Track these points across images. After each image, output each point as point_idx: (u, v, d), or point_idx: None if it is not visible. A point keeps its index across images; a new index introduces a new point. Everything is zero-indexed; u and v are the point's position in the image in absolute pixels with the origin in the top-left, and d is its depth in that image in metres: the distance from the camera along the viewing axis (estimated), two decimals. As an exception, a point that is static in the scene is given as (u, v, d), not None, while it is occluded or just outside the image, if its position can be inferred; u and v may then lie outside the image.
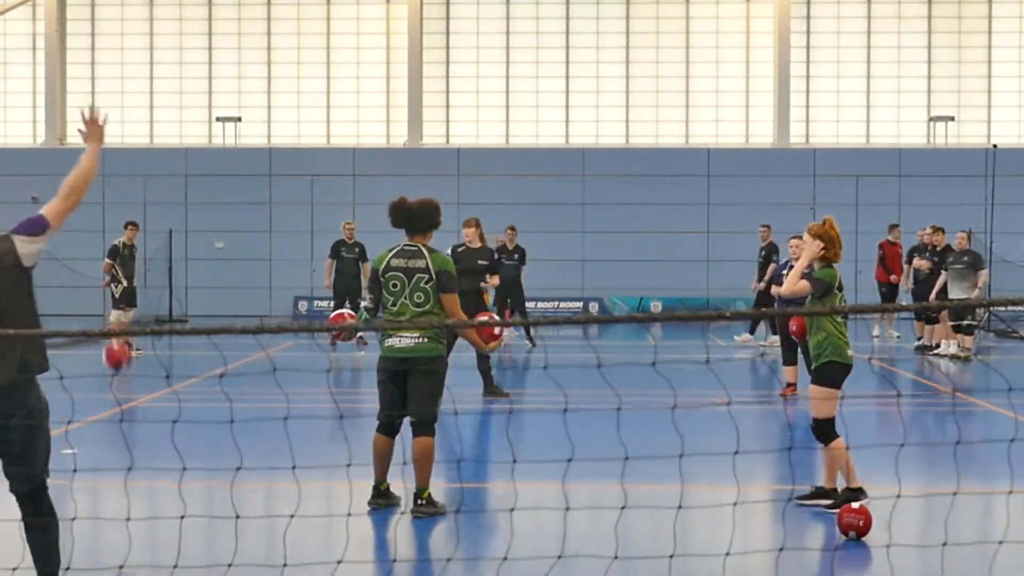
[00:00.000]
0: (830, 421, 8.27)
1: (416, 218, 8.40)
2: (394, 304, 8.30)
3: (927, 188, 29.91)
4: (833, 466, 8.41)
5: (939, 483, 9.08)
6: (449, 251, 14.04)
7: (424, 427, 8.24)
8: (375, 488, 8.40)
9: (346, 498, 7.55)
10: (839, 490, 8.42)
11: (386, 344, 8.28)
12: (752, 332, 22.41)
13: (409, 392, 8.23)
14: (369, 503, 8.32)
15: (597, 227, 30.67)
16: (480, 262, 14.42)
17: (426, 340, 8.17)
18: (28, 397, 5.63)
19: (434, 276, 8.22)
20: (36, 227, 5.75)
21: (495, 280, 14.66)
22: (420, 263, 8.25)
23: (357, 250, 22.28)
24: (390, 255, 8.40)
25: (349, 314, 9.31)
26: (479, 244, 14.69)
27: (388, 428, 8.38)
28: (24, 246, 5.69)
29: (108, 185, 30.83)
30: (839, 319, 8.39)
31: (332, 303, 22.98)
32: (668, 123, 32.11)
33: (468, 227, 14.63)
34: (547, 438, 11.04)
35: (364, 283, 22.98)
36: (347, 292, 22.18)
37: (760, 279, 21.77)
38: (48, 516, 5.76)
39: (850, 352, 8.38)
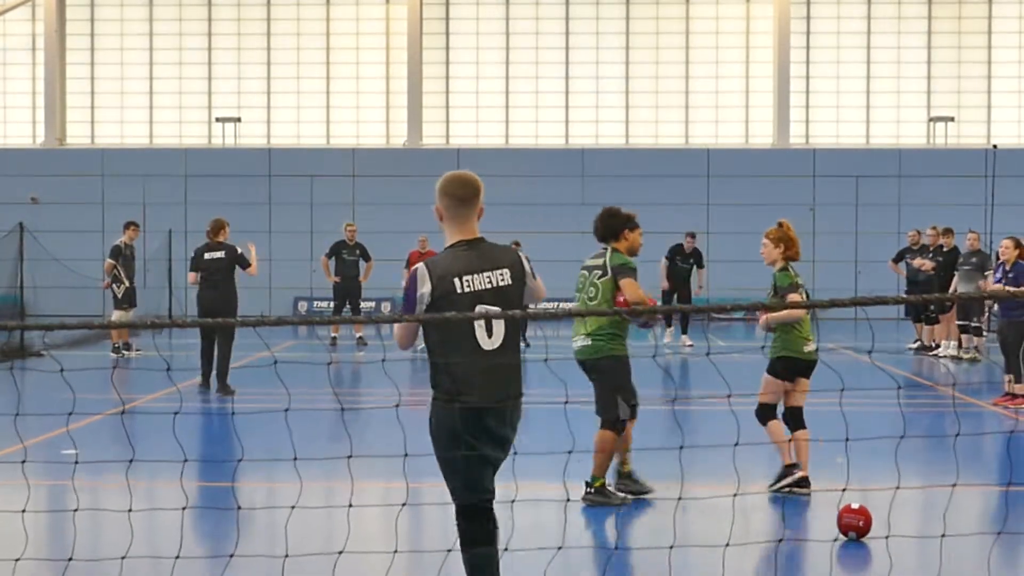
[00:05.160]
0: (771, 407, 8.98)
1: (599, 227, 9.29)
2: (578, 300, 8.98)
3: (927, 188, 29.92)
4: (783, 444, 8.97)
5: (937, 478, 9.09)
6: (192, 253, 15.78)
7: (602, 421, 8.70)
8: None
9: (346, 491, 7.55)
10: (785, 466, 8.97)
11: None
12: (670, 325, 22.93)
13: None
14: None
15: (597, 227, 30.64)
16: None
17: (590, 342, 8.67)
18: None
19: (608, 271, 8.77)
20: None
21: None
22: (599, 261, 8.97)
23: (358, 251, 22.20)
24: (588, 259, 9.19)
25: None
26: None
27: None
28: None
29: (108, 185, 30.90)
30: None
31: (332, 304, 22.95)
32: (668, 123, 32.13)
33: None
34: (546, 434, 11.04)
35: (364, 284, 23.10)
36: (347, 294, 22.14)
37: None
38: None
39: (808, 348, 8.93)
